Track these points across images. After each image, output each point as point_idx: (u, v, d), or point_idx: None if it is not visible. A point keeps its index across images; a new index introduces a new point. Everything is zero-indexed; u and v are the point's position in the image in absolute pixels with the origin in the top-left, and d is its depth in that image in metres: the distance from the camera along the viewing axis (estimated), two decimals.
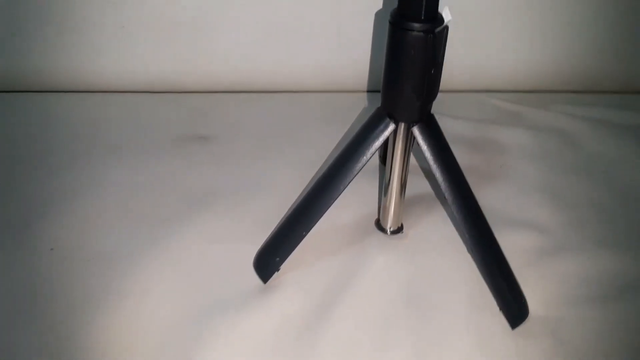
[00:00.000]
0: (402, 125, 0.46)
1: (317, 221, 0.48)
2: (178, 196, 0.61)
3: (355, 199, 0.58)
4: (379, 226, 0.56)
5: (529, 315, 0.47)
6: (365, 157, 0.47)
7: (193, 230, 0.56)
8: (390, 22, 0.42)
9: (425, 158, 0.46)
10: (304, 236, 0.48)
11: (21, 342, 0.45)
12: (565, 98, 0.85)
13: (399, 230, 0.55)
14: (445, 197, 0.46)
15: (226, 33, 0.82)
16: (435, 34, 0.41)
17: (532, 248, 0.55)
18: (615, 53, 0.87)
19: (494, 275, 0.48)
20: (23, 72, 0.84)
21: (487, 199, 0.61)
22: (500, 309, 0.47)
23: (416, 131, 0.45)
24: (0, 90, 0.84)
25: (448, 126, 0.75)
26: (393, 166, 0.50)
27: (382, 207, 0.54)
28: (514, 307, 0.47)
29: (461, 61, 0.85)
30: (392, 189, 0.51)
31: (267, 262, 0.50)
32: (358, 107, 0.80)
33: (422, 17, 0.41)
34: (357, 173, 0.47)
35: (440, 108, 0.78)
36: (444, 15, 0.41)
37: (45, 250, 0.53)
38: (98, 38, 0.81)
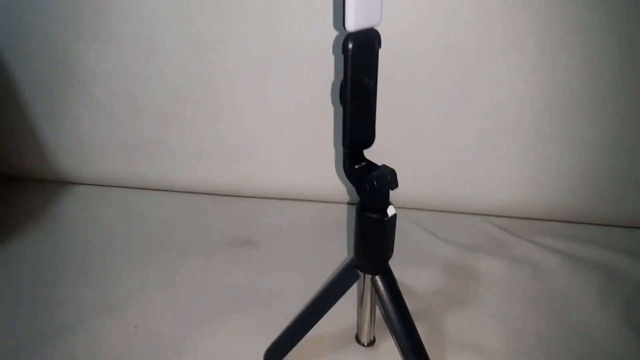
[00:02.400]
0: (366, 276, 0.66)
1: (304, 334, 0.68)
2: (222, 294, 0.84)
3: (341, 317, 0.77)
4: (357, 339, 0.74)
5: None
6: (340, 293, 0.67)
7: (226, 326, 0.77)
8: (356, 211, 0.62)
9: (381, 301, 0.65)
10: (296, 344, 0.68)
11: None
12: (551, 228, 1.00)
13: (372, 343, 0.74)
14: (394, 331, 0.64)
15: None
16: (384, 221, 0.61)
17: None
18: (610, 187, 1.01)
19: None
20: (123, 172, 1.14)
21: (451, 321, 0.78)
22: None
23: (376, 281, 0.65)
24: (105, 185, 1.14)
25: (437, 250, 0.94)
26: (364, 300, 0.69)
27: (358, 325, 0.73)
28: None
29: (462, 186, 1.03)
30: (365, 313, 0.70)
31: (272, 357, 0.70)
32: None
33: (376, 211, 0.61)
34: (333, 305, 0.67)
35: (436, 229, 0.97)
36: (389, 211, 0.61)
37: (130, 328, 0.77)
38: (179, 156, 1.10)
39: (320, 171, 1.05)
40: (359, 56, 0.57)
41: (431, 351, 0.71)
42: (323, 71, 0.96)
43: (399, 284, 0.84)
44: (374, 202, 0.61)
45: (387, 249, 0.64)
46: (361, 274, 0.66)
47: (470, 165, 1.02)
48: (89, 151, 1.11)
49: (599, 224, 1.01)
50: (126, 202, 1.09)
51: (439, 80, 0.97)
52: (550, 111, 0.96)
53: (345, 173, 0.63)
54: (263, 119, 1.04)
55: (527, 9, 0.89)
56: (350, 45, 0.56)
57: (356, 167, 0.63)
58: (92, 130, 1.09)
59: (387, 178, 0.61)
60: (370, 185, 0.60)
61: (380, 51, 0.59)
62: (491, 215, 1.04)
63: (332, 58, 0.95)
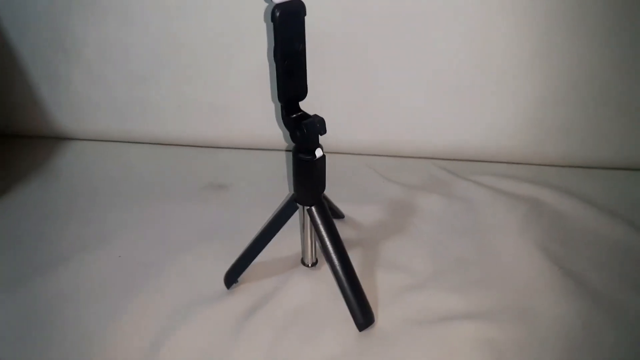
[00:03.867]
0: (304, 207, 0.79)
1: (254, 257, 0.82)
2: (194, 229, 0.98)
3: (289, 245, 0.91)
4: (302, 262, 0.89)
5: (375, 324, 0.78)
6: (283, 221, 0.81)
7: (195, 254, 0.91)
8: (292, 154, 0.75)
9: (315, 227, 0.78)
10: (248, 265, 0.83)
11: None
12: (488, 168, 1.12)
13: (314, 264, 0.88)
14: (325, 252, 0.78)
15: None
16: (314, 161, 0.74)
17: (398, 285, 0.84)
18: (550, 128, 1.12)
19: (348, 296, 0.78)
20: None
21: (385, 247, 0.92)
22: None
23: (311, 211, 0.78)
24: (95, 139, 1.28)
25: (385, 189, 1.07)
26: (304, 227, 0.83)
27: (302, 249, 0.88)
28: (359, 317, 0.77)
29: (411, 133, 1.16)
30: (306, 239, 0.84)
31: (230, 277, 0.85)
32: None
33: (307, 153, 0.74)
34: (277, 231, 0.81)
35: (387, 172, 1.10)
36: (316, 153, 0.74)
37: (115, 257, 0.92)
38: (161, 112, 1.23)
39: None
40: (286, 24, 0.68)
41: (363, 270, 0.86)
42: None
43: (347, 218, 0.99)
44: (305, 146, 0.74)
45: (318, 185, 0.77)
46: (300, 206, 0.79)
47: (418, 113, 1.14)
48: (82, 110, 1.25)
49: (532, 164, 1.13)
50: (115, 155, 1.24)
51: (390, 43, 1.08)
52: (489, 68, 1.07)
53: (283, 122, 0.75)
54: (233, 77, 1.16)
55: None
56: (277, 14, 0.67)
57: (292, 116, 0.75)
58: (84, 91, 1.22)
59: (316, 125, 0.73)
60: (300, 131, 0.72)
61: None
62: (437, 159, 1.16)
63: None
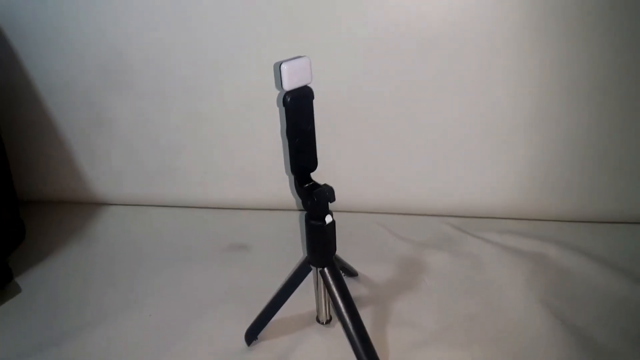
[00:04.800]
0: (317, 269, 0.86)
1: (272, 316, 0.89)
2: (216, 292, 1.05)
3: (305, 304, 0.96)
4: (317, 319, 0.95)
5: None
6: (298, 281, 0.88)
7: (219, 314, 0.98)
8: (305, 220, 0.83)
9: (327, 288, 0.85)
10: (266, 323, 0.89)
11: None
12: (495, 224, 1.18)
13: (328, 321, 0.94)
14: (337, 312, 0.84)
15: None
16: (325, 227, 0.81)
17: (408, 341, 0.89)
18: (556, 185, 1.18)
19: (360, 354, 0.82)
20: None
21: (395, 304, 0.97)
22: None
23: (323, 272, 0.85)
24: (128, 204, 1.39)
25: (396, 247, 1.13)
26: (318, 287, 0.89)
27: (317, 308, 0.94)
28: None
29: (421, 189, 1.23)
30: (320, 298, 0.91)
31: (250, 334, 0.91)
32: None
33: (317, 219, 0.81)
34: (293, 292, 0.88)
35: (398, 229, 1.17)
36: (326, 219, 0.81)
37: (146, 316, 1.00)
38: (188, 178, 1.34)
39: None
40: (296, 107, 0.78)
41: (374, 326, 0.92)
42: None
43: (360, 275, 1.05)
44: (316, 213, 0.82)
45: (329, 248, 0.84)
46: (313, 267, 0.86)
47: (426, 172, 1.22)
48: (117, 178, 1.36)
49: (537, 219, 1.18)
50: (145, 219, 1.34)
51: (397, 108, 1.18)
52: (492, 130, 1.15)
53: (296, 191, 0.83)
54: (250, 149, 1.27)
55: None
56: (288, 99, 0.77)
57: (304, 186, 0.83)
58: (119, 161, 1.34)
59: (325, 194, 0.81)
60: (311, 200, 0.81)
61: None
62: (446, 216, 1.23)
63: None
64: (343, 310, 0.83)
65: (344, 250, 0.91)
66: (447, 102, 1.15)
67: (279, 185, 1.28)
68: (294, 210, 1.32)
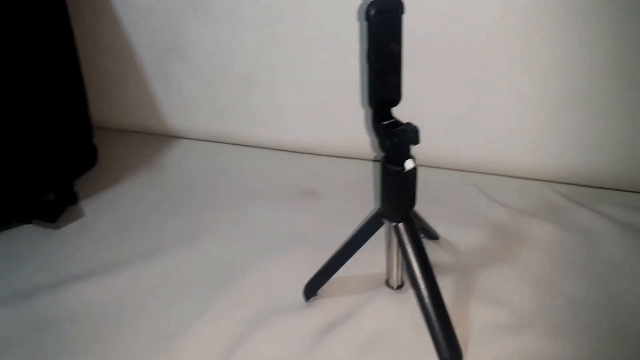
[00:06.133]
0: (391, 223, 0.72)
1: (335, 272, 0.77)
2: (280, 236, 0.95)
3: (375, 263, 0.84)
4: (387, 283, 0.81)
5: None
6: (367, 236, 0.75)
7: (279, 260, 0.89)
8: (381, 164, 0.69)
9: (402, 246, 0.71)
10: (327, 280, 0.78)
11: None
12: (616, 197, 0.97)
13: (400, 286, 0.80)
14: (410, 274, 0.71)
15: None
16: (404, 173, 0.67)
17: (494, 322, 0.73)
18: None
19: (434, 327, 0.69)
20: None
21: (484, 277, 0.81)
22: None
23: (398, 228, 0.71)
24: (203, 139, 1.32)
25: (489, 211, 0.96)
26: (391, 246, 0.76)
27: (387, 269, 0.80)
28: (445, 352, 0.68)
29: (526, 147, 1.03)
30: (392, 258, 0.77)
31: (309, 290, 0.81)
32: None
33: (396, 163, 0.67)
34: (359, 247, 0.75)
35: (493, 192, 0.99)
36: (406, 164, 0.67)
37: (205, 255, 0.93)
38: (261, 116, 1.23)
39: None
40: (382, 22, 0.63)
41: (455, 300, 0.77)
42: None
43: (442, 239, 0.90)
44: (396, 156, 0.67)
45: (408, 200, 0.70)
46: (386, 221, 0.73)
47: (533, 127, 1.01)
48: (190, 109, 1.30)
49: None
50: (215, 155, 1.26)
51: (500, 51, 0.98)
52: (616, 80, 0.92)
53: (372, 128, 0.69)
54: (330, 85, 1.12)
55: None
56: (372, 12, 0.62)
57: (383, 123, 0.69)
58: (192, 92, 1.27)
59: (408, 134, 0.66)
60: (390, 140, 0.66)
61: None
62: (555, 182, 1.02)
63: None
64: (418, 275, 0.70)
65: (425, 209, 0.77)
66: (565, 34, 0.93)
67: (356, 130, 1.14)
68: (369, 160, 1.18)
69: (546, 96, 0.98)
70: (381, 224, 0.74)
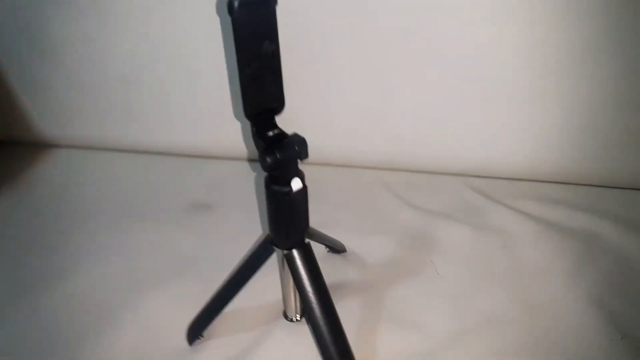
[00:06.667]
0: (282, 251, 0.61)
1: (223, 309, 0.65)
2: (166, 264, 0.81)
3: (270, 292, 0.73)
4: (285, 315, 0.70)
5: None
6: (257, 265, 0.64)
7: (162, 294, 0.75)
8: (264, 184, 0.57)
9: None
10: (215, 317, 0.66)
11: None
12: (535, 189, 0.92)
13: (300, 319, 0.70)
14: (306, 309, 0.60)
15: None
16: (292, 195, 0.56)
17: (407, 351, 0.65)
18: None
19: None
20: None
21: (393, 295, 0.73)
22: None
23: (289, 256, 0.60)
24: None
25: (400, 215, 0.88)
26: (283, 276, 0.65)
27: (283, 300, 0.70)
28: None
29: (437, 140, 0.95)
30: (287, 289, 0.67)
31: (193, 331, 0.68)
32: None
33: (281, 183, 0.56)
34: (249, 280, 0.64)
35: (405, 192, 0.91)
36: (293, 185, 0.56)
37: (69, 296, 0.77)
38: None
39: None
40: (249, 17, 0.51)
41: (362, 327, 0.68)
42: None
43: (349, 252, 0.81)
44: (281, 175, 0.56)
45: (298, 224, 0.59)
46: (276, 249, 0.62)
47: (443, 119, 0.93)
48: (62, 115, 1.11)
49: (589, 185, 0.91)
50: (96, 165, 1.09)
51: (402, 35, 0.88)
52: (537, 68, 0.86)
53: (253, 142, 0.58)
54: (220, 82, 0.99)
55: None
56: (235, 5, 0.49)
57: (265, 135, 0.57)
58: (63, 95, 1.08)
59: (293, 149, 0.55)
60: (272, 157, 0.55)
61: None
62: (469, 176, 0.96)
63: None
64: (316, 310, 0.59)
65: (331, 215, 0.67)
66: (478, 28, 0.86)
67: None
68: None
69: (459, 86, 0.90)
70: (271, 251, 0.63)
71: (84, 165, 1.10)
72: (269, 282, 0.72)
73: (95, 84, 1.04)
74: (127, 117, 1.07)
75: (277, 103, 0.57)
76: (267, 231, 0.62)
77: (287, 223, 0.59)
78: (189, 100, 1.02)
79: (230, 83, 0.97)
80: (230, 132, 1.03)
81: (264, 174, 0.58)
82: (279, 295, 0.72)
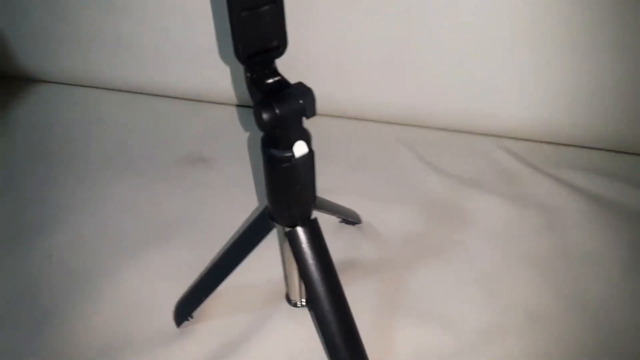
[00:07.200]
0: (283, 228, 0.50)
1: (214, 289, 0.55)
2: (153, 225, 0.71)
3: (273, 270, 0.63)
4: (288, 298, 0.60)
5: None
6: (254, 242, 0.53)
7: (147, 261, 0.65)
8: (261, 147, 0.45)
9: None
10: (205, 298, 0.56)
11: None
12: (584, 157, 0.78)
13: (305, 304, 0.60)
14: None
15: None
16: (294, 162, 0.44)
17: (430, 349, 0.55)
18: None
19: None
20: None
21: (414, 280, 0.62)
22: None
23: (291, 235, 0.49)
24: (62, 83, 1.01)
25: (425, 182, 0.75)
26: (284, 256, 0.54)
27: (286, 282, 0.59)
28: None
29: (467, 94, 0.81)
30: (289, 271, 0.56)
31: (181, 311, 0.59)
32: None
33: (281, 147, 0.44)
34: (245, 258, 0.53)
35: (431, 154, 0.78)
36: (295, 149, 0.43)
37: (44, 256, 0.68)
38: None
39: None
40: None
41: (376, 317, 0.58)
42: None
43: (364, 223, 0.69)
44: (281, 136, 0.44)
45: (302, 197, 0.48)
46: (276, 225, 0.50)
47: (475, 69, 0.78)
48: (44, 45, 0.97)
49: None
50: (81, 105, 0.97)
51: None
52: (588, 25, 0.70)
53: (247, 90, 0.45)
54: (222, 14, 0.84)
55: None
56: None
57: (264, 82, 0.45)
58: (43, 22, 0.94)
59: (297, 102, 0.42)
60: (270, 113, 0.42)
61: None
62: (505, 137, 0.82)
63: None
64: (320, 296, 0.49)
65: (341, 180, 0.59)
66: None
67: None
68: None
69: (506, 28, 0.74)
70: (270, 227, 0.51)
71: (68, 104, 0.97)
72: (271, 255, 0.62)
73: (80, 9, 0.90)
74: (116, 50, 0.93)
75: (278, 41, 0.43)
76: (265, 201, 0.50)
77: (289, 196, 0.47)
78: (184, 34, 0.88)
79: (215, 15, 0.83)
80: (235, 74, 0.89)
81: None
82: (281, 273, 0.61)
